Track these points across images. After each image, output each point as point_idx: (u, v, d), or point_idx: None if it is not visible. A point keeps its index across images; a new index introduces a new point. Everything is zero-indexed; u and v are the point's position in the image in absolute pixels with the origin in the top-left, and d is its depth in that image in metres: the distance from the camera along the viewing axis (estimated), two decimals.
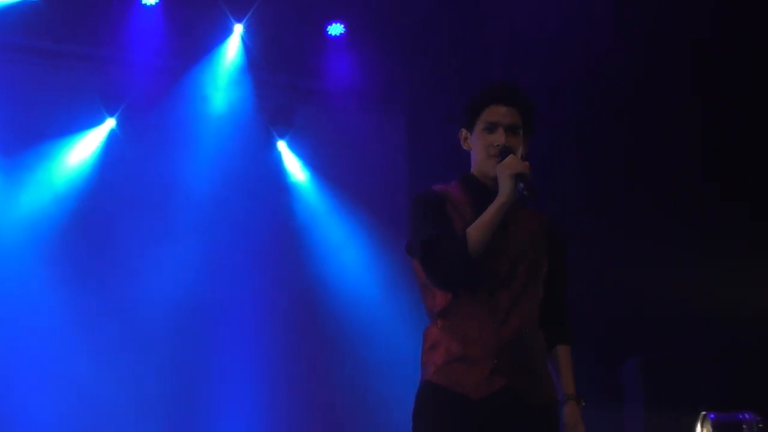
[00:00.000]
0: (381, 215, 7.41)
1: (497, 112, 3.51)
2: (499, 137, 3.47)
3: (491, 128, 3.50)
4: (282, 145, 7.52)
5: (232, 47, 7.23)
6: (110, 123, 7.00)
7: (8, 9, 6.56)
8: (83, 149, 6.97)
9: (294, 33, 7.31)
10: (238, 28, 7.17)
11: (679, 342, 6.57)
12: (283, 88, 7.49)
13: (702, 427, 5.15)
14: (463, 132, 3.60)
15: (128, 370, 6.73)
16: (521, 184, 3.34)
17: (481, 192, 3.48)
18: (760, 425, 4.98)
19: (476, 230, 3.34)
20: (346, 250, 7.51)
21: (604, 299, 6.51)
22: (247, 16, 7.09)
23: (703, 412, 5.13)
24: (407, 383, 7.16)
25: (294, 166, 7.56)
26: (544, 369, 3.49)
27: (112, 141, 7.00)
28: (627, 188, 6.90)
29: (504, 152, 3.43)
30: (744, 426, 5.01)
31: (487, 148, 3.49)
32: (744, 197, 6.54)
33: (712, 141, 6.71)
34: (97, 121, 6.98)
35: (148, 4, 6.93)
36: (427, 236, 3.40)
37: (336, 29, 7.44)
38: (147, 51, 6.96)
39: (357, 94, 7.62)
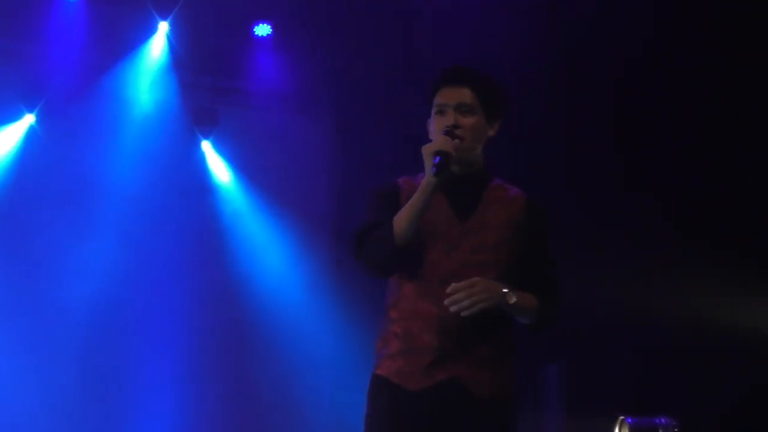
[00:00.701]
0: (305, 217, 7.39)
1: (446, 94, 3.43)
2: (449, 118, 3.39)
3: (442, 110, 3.42)
4: (206, 145, 7.45)
5: (157, 45, 7.14)
6: (29, 119, 6.87)
7: None
8: (1, 145, 6.83)
9: (220, 32, 7.25)
10: (163, 26, 7.08)
11: (597, 347, 6.63)
12: (208, 88, 7.41)
13: (620, 431, 5.20)
14: (429, 123, 3.49)
15: (43, 369, 6.63)
16: (435, 159, 3.25)
17: (445, 182, 3.34)
18: (676, 429, 5.05)
19: (401, 215, 3.28)
20: (269, 252, 7.46)
21: None
22: (172, 14, 7.01)
23: (621, 417, 5.18)
24: (330, 384, 7.23)
25: (218, 167, 7.50)
26: (499, 361, 3.37)
27: (32, 137, 6.87)
28: (548, 190, 6.92)
29: (449, 133, 3.34)
30: (660, 430, 5.08)
31: (439, 131, 3.38)
32: (662, 204, 6.62)
33: (636, 149, 6.78)
34: (15, 116, 6.85)
35: None
36: (358, 227, 3.38)
37: (263, 29, 7.38)
38: (69, 47, 6.85)
39: (283, 95, 7.57)
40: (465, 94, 3.42)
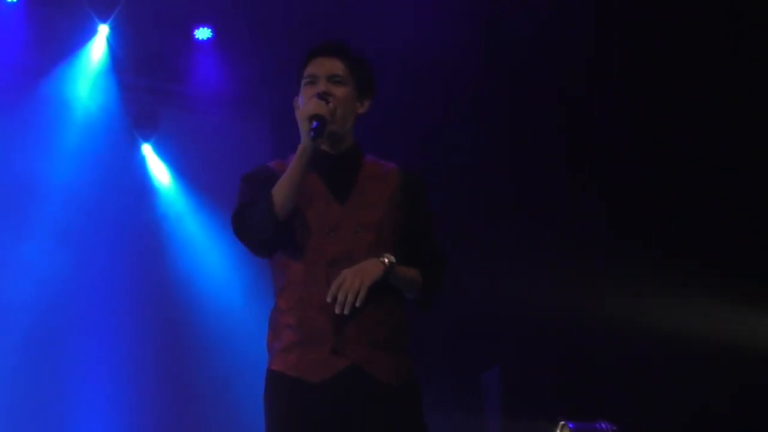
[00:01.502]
0: None
1: (318, 64, 3.35)
2: (320, 87, 3.30)
3: (313, 81, 3.33)
4: (147, 149, 7.42)
5: (97, 48, 7.09)
6: None
7: None
8: None
9: (161, 36, 7.21)
10: (104, 29, 7.03)
11: (537, 351, 6.70)
12: (148, 91, 7.38)
13: None
14: (296, 100, 3.38)
15: None
16: (315, 124, 3.18)
17: (317, 160, 3.27)
18: None
19: (279, 186, 3.19)
20: (209, 253, 7.44)
21: (466, 307, 6.56)
22: (112, 17, 6.96)
23: (562, 421, 5.25)
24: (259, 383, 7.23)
25: (158, 170, 7.47)
26: (397, 344, 3.28)
27: None
28: (487, 195, 6.97)
29: (321, 97, 3.23)
30: None
31: (309, 99, 3.27)
32: (605, 204, 6.68)
33: (577, 145, 6.82)
34: None
35: (10, 1, 6.75)
36: (238, 206, 3.30)
37: (204, 33, 7.38)
38: (8, 49, 6.77)
39: (224, 98, 7.57)
40: (336, 66, 3.36)
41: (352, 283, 3.14)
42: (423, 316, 3.53)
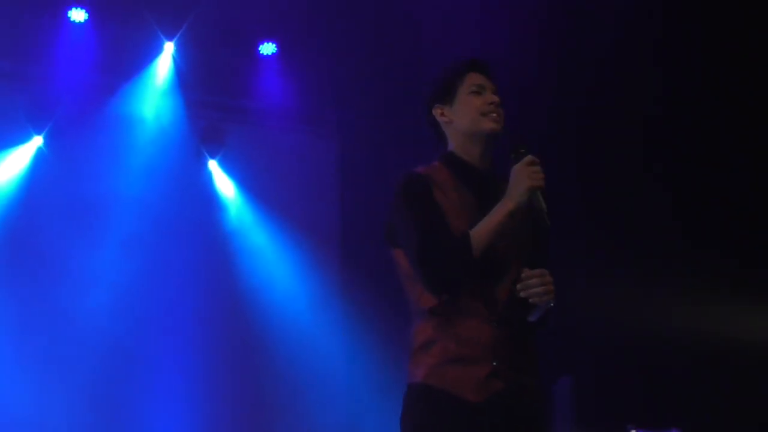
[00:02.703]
0: (312, 233, 7.40)
1: (477, 77, 3.41)
2: (492, 97, 3.36)
3: (479, 91, 3.38)
4: (213, 165, 7.47)
5: (163, 66, 7.16)
6: (37, 141, 6.89)
7: None
8: (9, 167, 6.84)
9: (226, 52, 7.27)
10: (169, 47, 7.11)
11: (609, 361, 6.62)
12: (214, 108, 7.44)
13: None
14: (439, 108, 3.42)
15: (59, 382, 6.62)
16: (539, 199, 3.19)
17: (467, 173, 3.34)
18: None
19: (481, 234, 3.16)
20: (277, 268, 7.46)
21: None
22: (178, 35, 7.03)
23: (633, 430, 5.16)
24: (339, 396, 7.24)
25: (225, 186, 7.51)
26: (537, 366, 3.30)
27: (40, 159, 6.89)
28: (557, 203, 6.90)
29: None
30: None
31: (480, 108, 3.34)
32: (677, 220, 6.59)
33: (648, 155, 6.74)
34: (23, 138, 6.87)
35: (77, 21, 6.87)
36: (422, 236, 3.19)
37: (268, 48, 7.42)
38: (76, 68, 6.87)
39: (289, 113, 7.59)
40: (492, 84, 3.42)
41: (549, 284, 3.15)
42: None
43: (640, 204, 6.71)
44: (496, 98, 3.36)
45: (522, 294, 3.13)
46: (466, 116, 3.37)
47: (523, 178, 3.21)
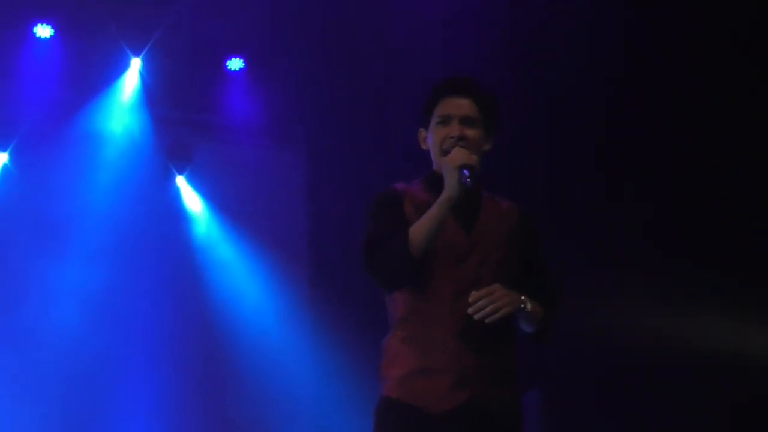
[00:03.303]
0: (280, 251, 7.40)
1: (451, 104, 3.38)
2: (453, 129, 3.34)
3: (445, 121, 3.37)
4: (181, 181, 7.45)
5: (130, 81, 7.14)
6: (2, 157, 6.84)
7: None
8: None
9: (193, 67, 7.26)
10: (136, 62, 7.08)
11: (578, 374, 6.63)
12: (182, 124, 7.42)
13: None
14: (422, 132, 3.44)
15: (26, 400, 6.58)
16: (465, 172, 3.20)
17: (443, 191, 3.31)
18: None
19: (418, 227, 3.21)
20: (246, 283, 7.45)
21: None
22: (145, 50, 7.02)
23: None
24: (303, 412, 7.24)
25: (193, 202, 7.49)
26: (512, 376, 3.33)
27: (6, 175, 6.84)
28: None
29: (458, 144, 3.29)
30: None
31: (441, 142, 3.34)
32: (649, 229, 6.60)
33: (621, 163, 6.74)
34: None
35: (43, 37, 6.83)
36: (370, 237, 3.27)
37: (235, 64, 7.41)
38: (42, 84, 6.84)
39: (257, 129, 7.59)
40: (468, 106, 3.38)
41: (500, 299, 3.17)
42: None
43: (608, 213, 6.72)
44: (456, 131, 3.33)
45: (476, 317, 3.16)
46: (433, 147, 3.40)
47: (448, 162, 3.25)
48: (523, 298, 3.24)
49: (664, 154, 6.53)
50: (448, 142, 3.32)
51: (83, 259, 6.89)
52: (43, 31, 6.83)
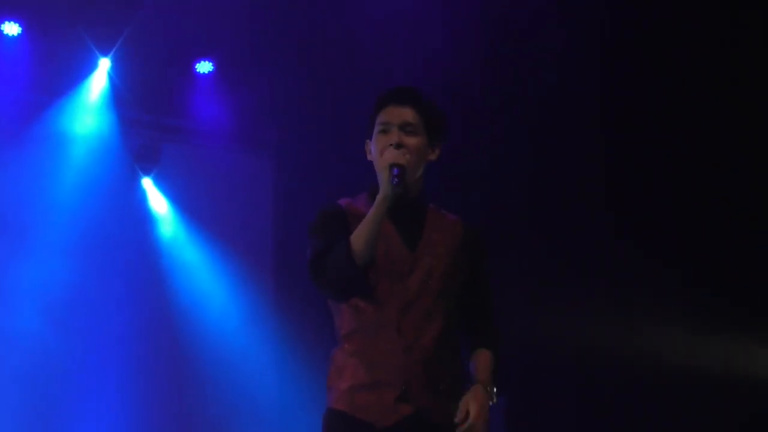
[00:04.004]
0: (245, 254, 7.40)
1: (391, 113, 3.38)
2: (393, 137, 3.34)
3: (386, 129, 3.37)
4: (147, 182, 7.41)
5: (98, 82, 7.10)
6: None
7: None
8: None
9: (162, 69, 7.23)
10: (105, 63, 7.05)
11: (542, 381, 6.64)
12: (149, 126, 7.39)
13: None
14: (368, 143, 3.44)
15: None
16: (395, 171, 3.22)
17: (389, 207, 3.29)
18: None
19: (357, 233, 3.21)
20: (211, 286, 7.45)
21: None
22: (113, 51, 6.98)
23: None
24: (266, 415, 7.23)
25: (159, 204, 7.47)
26: (459, 390, 3.30)
27: None
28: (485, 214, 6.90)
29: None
30: None
31: (382, 151, 3.33)
32: (619, 238, 6.61)
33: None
34: None
35: (11, 35, 6.78)
36: (314, 251, 3.28)
37: (204, 67, 7.39)
38: (8, 83, 6.79)
39: (225, 132, 7.57)
40: (409, 114, 3.38)
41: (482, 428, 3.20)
42: None
43: (578, 224, 6.74)
44: (395, 138, 3.33)
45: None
46: (375, 156, 3.39)
47: (380, 163, 3.29)
48: (488, 390, 3.28)
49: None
50: (387, 150, 3.32)
51: (48, 259, 6.86)
52: (11, 28, 6.78)
